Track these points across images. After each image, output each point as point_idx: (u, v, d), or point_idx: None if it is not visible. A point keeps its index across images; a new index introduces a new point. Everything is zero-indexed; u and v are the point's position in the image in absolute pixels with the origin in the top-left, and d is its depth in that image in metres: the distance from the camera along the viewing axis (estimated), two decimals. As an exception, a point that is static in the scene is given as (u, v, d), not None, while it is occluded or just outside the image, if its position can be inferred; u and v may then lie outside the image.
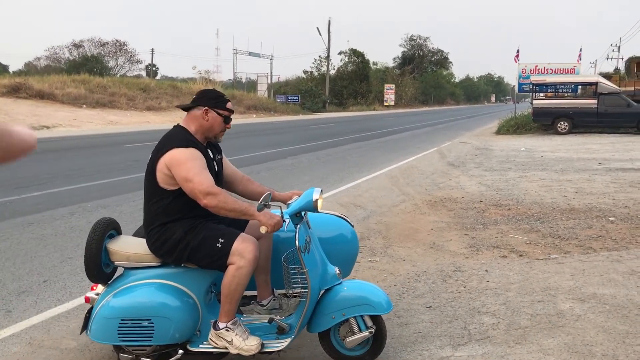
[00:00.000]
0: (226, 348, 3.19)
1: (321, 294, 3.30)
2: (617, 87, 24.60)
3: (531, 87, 25.29)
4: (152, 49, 72.29)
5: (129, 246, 3.34)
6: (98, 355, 3.59)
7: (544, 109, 23.32)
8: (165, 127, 28.20)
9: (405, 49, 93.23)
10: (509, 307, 4.14)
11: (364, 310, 3.32)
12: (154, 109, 34.58)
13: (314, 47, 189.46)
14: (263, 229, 3.09)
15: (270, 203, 3.25)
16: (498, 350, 3.41)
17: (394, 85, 68.31)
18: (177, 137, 3.26)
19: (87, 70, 42.56)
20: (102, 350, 3.62)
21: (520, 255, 5.58)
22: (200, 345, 3.26)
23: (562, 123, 22.84)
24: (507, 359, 3.37)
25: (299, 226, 3.20)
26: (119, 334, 3.14)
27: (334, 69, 66.38)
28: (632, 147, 16.78)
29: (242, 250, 3.12)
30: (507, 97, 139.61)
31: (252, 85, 60.62)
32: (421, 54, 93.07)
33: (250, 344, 3.17)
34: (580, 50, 31.92)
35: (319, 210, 3.25)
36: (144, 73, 66.25)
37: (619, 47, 63.26)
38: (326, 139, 20.23)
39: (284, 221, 3.22)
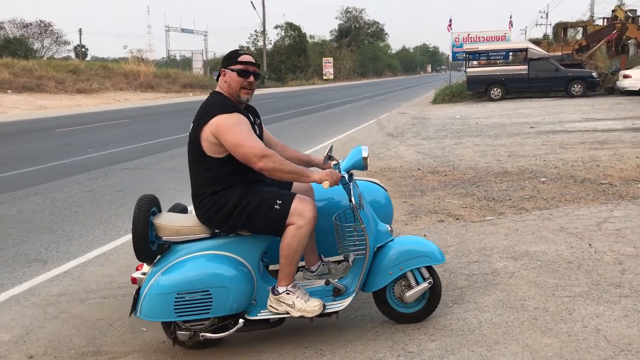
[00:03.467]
0: (287, 312, 3.17)
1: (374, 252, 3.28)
2: (546, 53, 25.40)
3: (464, 55, 25.84)
4: (80, 29, 69.21)
5: (177, 220, 3.27)
6: (34, 346, 3.47)
7: (477, 77, 23.89)
8: (98, 109, 27.30)
9: (342, 22, 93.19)
10: (446, 270, 4.26)
11: (421, 262, 3.35)
12: (85, 92, 33.29)
13: (249, 22, 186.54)
14: (326, 184, 3.06)
15: (332, 154, 3.30)
16: (436, 311, 3.51)
17: (332, 59, 68.21)
18: (217, 104, 3.18)
19: (10, 54, 40.39)
20: (39, 341, 3.51)
21: (457, 219, 5.73)
22: (258, 314, 3.23)
23: (495, 90, 23.48)
24: (445, 318, 3.47)
25: (352, 184, 3.22)
26: (175, 309, 3.08)
27: (270, 44, 65.76)
28: (561, 110, 17.44)
29: (302, 210, 3.10)
30: (443, 67, 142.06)
31: (187, 62, 59.17)
32: (357, 26, 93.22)
33: (313, 305, 3.17)
34: (511, 17, 32.81)
35: (367, 168, 3.28)
36: (72, 54, 63.58)
37: (547, 13, 65.43)
38: (265, 115, 20.05)
39: (342, 176, 3.18)
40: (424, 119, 17.71)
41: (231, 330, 3.18)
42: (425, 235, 5.12)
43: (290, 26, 66.37)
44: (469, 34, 29.63)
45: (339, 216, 3.36)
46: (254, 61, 3.30)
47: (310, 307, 3.16)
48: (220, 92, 3.28)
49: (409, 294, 3.34)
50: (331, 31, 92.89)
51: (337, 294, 3.29)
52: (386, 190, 3.88)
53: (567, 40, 32.78)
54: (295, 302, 3.16)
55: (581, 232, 4.94)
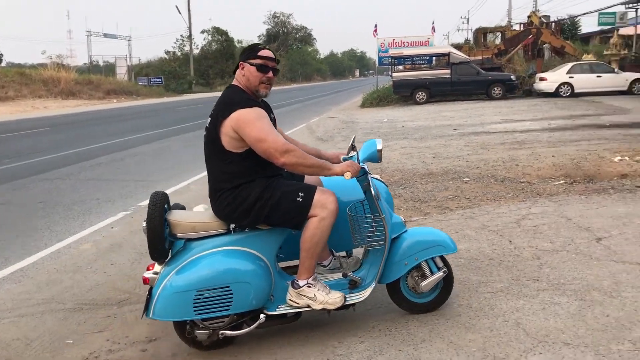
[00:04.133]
0: (308, 306, 3.17)
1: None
2: (467, 57, 26.36)
3: (390, 60, 26.39)
4: (-7, 34, 65.66)
5: (192, 216, 3.23)
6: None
7: (402, 81, 24.45)
8: (14, 118, 25.93)
9: (270, 26, 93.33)
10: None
11: (436, 252, 3.41)
12: (0, 99, 31.64)
13: (175, 27, 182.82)
14: (348, 175, 3.06)
15: (355, 144, 3.37)
16: (365, 312, 3.55)
17: (260, 63, 67.92)
18: (237, 98, 3.14)
19: None
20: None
21: (385, 221, 5.82)
22: (277, 309, 3.20)
23: (420, 93, 24.10)
24: (373, 318, 3.52)
25: (369, 176, 3.24)
26: (195, 307, 3.02)
27: (197, 49, 64.72)
28: (482, 112, 18.11)
29: (325, 201, 3.10)
30: (371, 71, 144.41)
31: (110, 68, 57.39)
32: (285, 31, 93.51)
33: (335, 297, 3.19)
34: (433, 23, 33.79)
35: (381, 160, 3.35)
36: (-15, 60, 60.27)
37: (468, 19, 67.79)
38: (194, 121, 19.72)
39: (362, 167, 3.20)
40: (353, 122, 17.95)
41: (252, 327, 3.15)
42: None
43: (217, 31, 65.68)
44: (394, 39, 30.28)
45: (353, 208, 3.38)
46: (273, 56, 3.27)
47: (332, 299, 3.19)
48: (238, 85, 3.25)
49: (424, 283, 3.40)
50: (259, 36, 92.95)
51: (354, 286, 3.32)
52: (387, 185, 3.92)
53: (487, 45, 34.22)
54: (317, 295, 3.18)
55: (502, 230, 5.14)
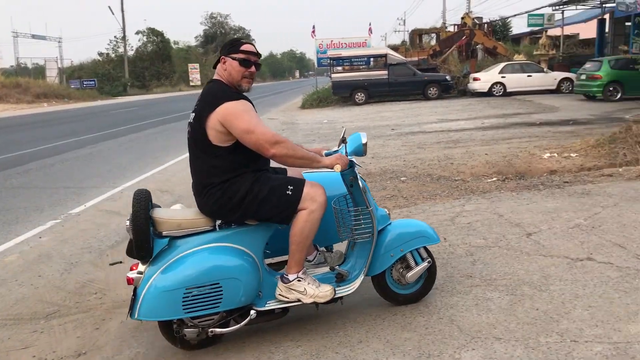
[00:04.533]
0: (299, 300, 3.18)
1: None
2: (404, 58, 26.79)
3: (329, 61, 26.52)
4: None
5: (177, 213, 3.18)
6: None
7: (341, 82, 24.60)
8: None
9: (207, 27, 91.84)
10: (312, 273, 4.30)
11: (420, 243, 3.48)
12: None
13: (108, 28, 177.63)
14: (337, 168, 3.08)
15: (346, 137, 3.39)
16: (302, 315, 3.52)
17: (198, 65, 66.97)
18: (222, 92, 3.11)
19: None
20: None
21: (323, 222, 5.82)
22: (267, 304, 3.20)
23: (359, 94, 24.33)
24: (311, 321, 3.49)
25: (356, 168, 3.26)
26: (184, 305, 2.98)
27: (132, 50, 63.07)
28: (419, 112, 18.47)
29: (314, 194, 3.11)
30: (311, 72, 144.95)
31: (40, 71, 55.10)
32: (223, 32, 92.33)
33: (325, 290, 3.21)
34: (370, 24, 34.10)
35: (366, 154, 3.35)
36: None
37: (404, 20, 69.03)
38: (129, 124, 19.23)
39: (351, 160, 3.23)
40: (293, 124, 17.93)
41: (242, 323, 3.14)
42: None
43: (153, 32, 64.13)
44: (332, 40, 30.40)
45: (337, 202, 3.40)
46: (255, 51, 3.24)
47: (322, 292, 3.20)
48: (220, 80, 3.20)
49: (409, 274, 3.46)
50: (196, 37, 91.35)
51: (340, 279, 3.36)
52: (365, 181, 3.90)
53: (422, 46, 34.90)
54: (307, 288, 3.18)
55: (437, 227, 5.22)
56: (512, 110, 17.37)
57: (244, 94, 3.24)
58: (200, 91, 3.33)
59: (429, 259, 3.53)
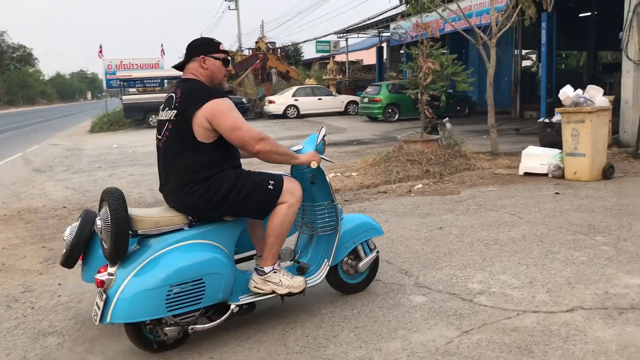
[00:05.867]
0: (273, 292, 3.31)
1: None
2: (199, 81, 26.57)
3: (119, 83, 25.28)
4: None
5: (153, 212, 3.22)
6: None
7: (133, 104, 23.60)
8: None
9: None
10: (78, 320, 3.88)
11: (370, 235, 3.85)
12: None
13: None
14: (314, 164, 3.36)
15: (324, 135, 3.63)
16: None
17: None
18: (206, 89, 3.20)
19: None
20: None
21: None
22: (240, 298, 3.29)
23: (153, 117, 23.51)
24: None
25: (321, 164, 3.44)
26: (167, 303, 2.95)
27: None
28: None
29: (293, 188, 3.30)
30: (105, 94, 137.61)
31: None
32: (0, 50, 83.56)
33: (299, 281, 3.38)
34: (162, 45, 33.37)
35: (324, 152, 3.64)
36: None
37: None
38: None
39: (322, 158, 3.51)
40: (79, 150, 16.66)
41: (222, 318, 3.21)
42: (60, 285, 4.63)
43: None
44: (122, 61, 29.13)
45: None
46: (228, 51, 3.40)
47: (297, 283, 3.37)
48: (197, 79, 3.25)
49: (361, 264, 3.81)
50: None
51: (302, 272, 3.56)
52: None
53: (218, 69, 34.96)
54: (282, 279, 3.33)
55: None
56: (305, 131, 18.13)
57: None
58: None
59: (377, 250, 3.93)
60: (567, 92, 8.14)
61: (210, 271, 3.07)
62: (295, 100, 24.91)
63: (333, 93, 26.17)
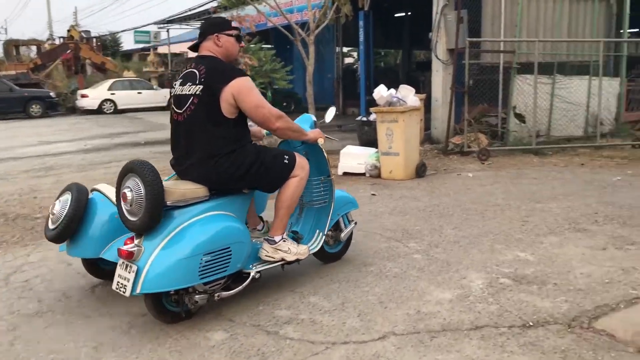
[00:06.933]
0: (283, 259, 3.57)
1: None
2: (-1, 71, 23.65)
3: None
4: None
5: (178, 184, 3.31)
6: None
7: None
8: None
9: None
10: None
11: (349, 208, 4.24)
12: None
13: None
14: (321, 141, 3.77)
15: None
16: None
17: None
18: (230, 67, 3.39)
19: None
20: None
21: None
22: (252, 266, 3.48)
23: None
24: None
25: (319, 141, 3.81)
26: (200, 271, 3.06)
27: None
28: (17, 134, 16.41)
29: (303, 164, 3.60)
30: None
31: None
32: None
33: (303, 248, 3.70)
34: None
35: None
36: None
37: (6, 29, 61.97)
38: None
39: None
40: None
41: (244, 284, 3.37)
42: None
43: None
44: None
45: None
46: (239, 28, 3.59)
47: (302, 250, 3.66)
48: (216, 56, 3.39)
49: (342, 234, 4.19)
50: None
51: (297, 241, 3.77)
52: None
53: (20, 59, 31.35)
54: (291, 247, 3.58)
55: None
56: (121, 128, 16.82)
57: None
58: None
59: (355, 221, 4.35)
60: (381, 92, 8.17)
61: (236, 240, 3.23)
62: (112, 94, 23.10)
63: (154, 87, 24.76)
